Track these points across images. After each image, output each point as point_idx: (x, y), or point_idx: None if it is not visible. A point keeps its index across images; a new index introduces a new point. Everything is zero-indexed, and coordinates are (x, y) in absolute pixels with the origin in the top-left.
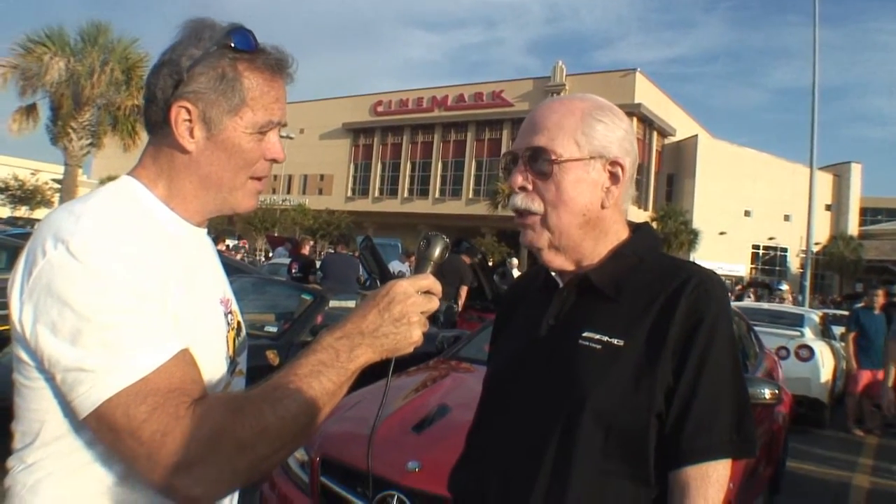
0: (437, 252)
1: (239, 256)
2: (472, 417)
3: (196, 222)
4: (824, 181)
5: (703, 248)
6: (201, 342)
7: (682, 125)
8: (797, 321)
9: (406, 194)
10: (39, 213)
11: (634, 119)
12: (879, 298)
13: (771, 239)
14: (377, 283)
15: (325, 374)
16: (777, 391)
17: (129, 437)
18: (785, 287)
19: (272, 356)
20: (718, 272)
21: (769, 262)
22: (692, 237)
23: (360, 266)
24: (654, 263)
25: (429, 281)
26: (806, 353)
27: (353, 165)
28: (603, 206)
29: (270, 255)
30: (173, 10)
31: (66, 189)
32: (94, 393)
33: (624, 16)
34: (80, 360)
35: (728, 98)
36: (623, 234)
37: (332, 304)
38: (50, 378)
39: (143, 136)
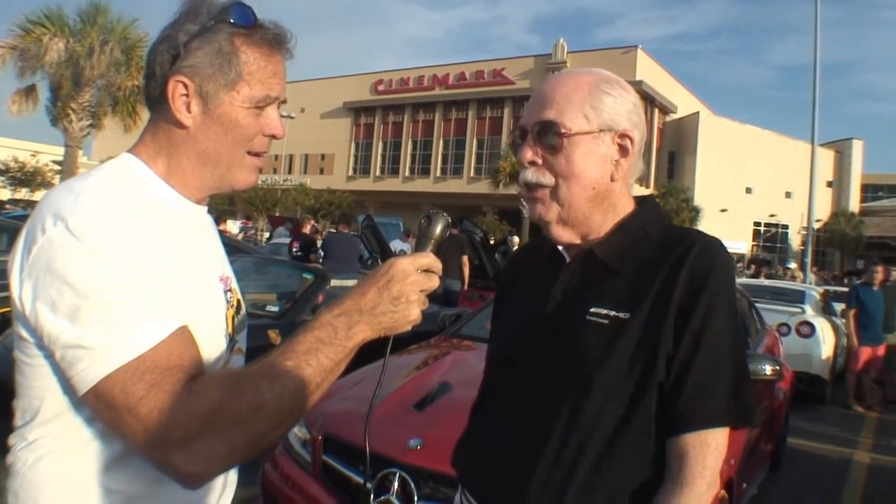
0: (438, 230)
1: (240, 237)
2: (474, 395)
3: (196, 199)
4: (826, 158)
5: (704, 224)
6: (200, 319)
7: (683, 102)
8: (798, 298)
9: (407, 173)
10: (39, 195)
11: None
12: (879, 275)
13: (772, 216)
14: (378, 261)
15: (322, 351)
16: (778, 367)
17: (127, 413)
18: (793, 265)
19: (274, 336)
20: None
21: (770, 238)
22: (693, 214)
23: (362, 245)
24: (660, 235)
25: (429, 259)
26: (807, 330)
27: (354, 144)
28: (612, 179)
29: (270, 234)
30: None
31: (67, 170)
32: (92, 370)
33: None
34: (80, 338)
35: (730, 75)
36: (629, 207)
37: (334, 283)
38: (49, 355)
39: (144, 117)
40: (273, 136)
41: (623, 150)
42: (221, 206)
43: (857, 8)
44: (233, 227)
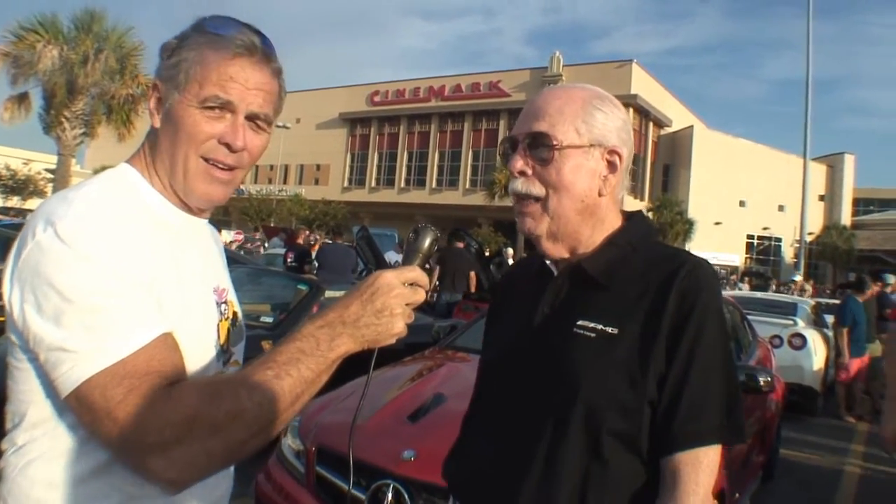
0: (426, 244)
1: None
2: (467, 406)
3: (188, 210)
4: (818, 172)
5: (698, 237)
6: (187, 328)
7: (678, 116)
8: (790, 310)
9: (403, 184)
10: (32, 204)
11: (631, 110)
12: (873, 289)
13: (765, 229)
14: (373, 272)
15: (303, 362)
16: (770, 379)
17: (105, 417)
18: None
19: (268, 346)
20: (713, 262)
21: (763, 251)
22: (687, 227)
23: (356, 256)
24: (647, 252)
25: (415, 273)
26: (799, 342)
27: (350, 155)
28: (600, 194)
29: (265, 245)
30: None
31: (60, 179)
32: (74, 373)
33: (621, 6)
34: (63, 341)
35: (724, 89)
36: (617, 222)
37: (328, 294)
38: (35, 358)
39: (138, 126)
40: (227, 146)
41: (611, 166)
42: (216, 217)
43: (849, 24)
44: (227, 236)
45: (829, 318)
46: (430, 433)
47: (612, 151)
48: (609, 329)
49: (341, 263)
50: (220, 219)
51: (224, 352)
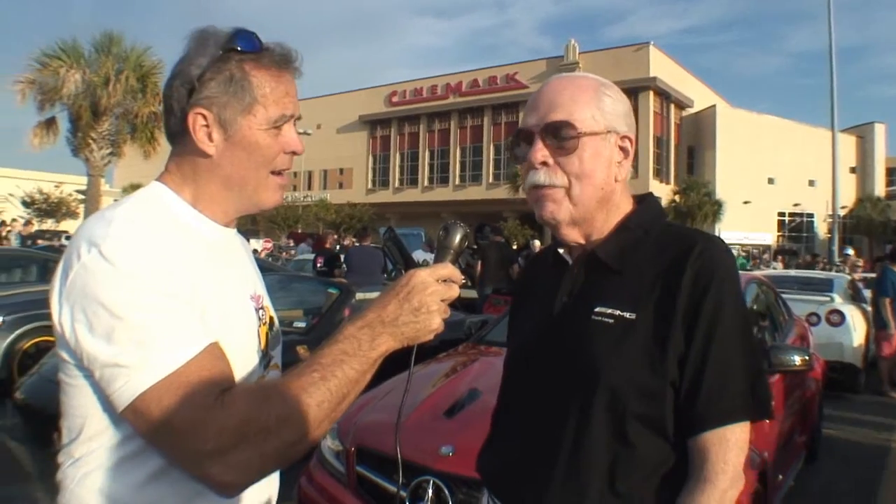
0: (456, 240)
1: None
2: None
3: (224, 223)
4: (847, 144)
5: (727, 218)
6: (230, 337)
7: (699, 96)
8: (826, 286)
9: (426, 183)
10: (65, 225)
11: (651, 93)
12: None
13: (796, 205)
14: (402, 273)
15: (347, 362)
16: (807, 357)
17: (162, 428)
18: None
19: (303, 351)
20: (744, 241)
21: (795, 228)
22: (716, 208)
23: (384, 257)
24: (659, 234)
25: (448, 270)
26: (837, 318)
27: (372, 157)
28: (616, 180)
29: (293, 251)
30: (185, 11)
31: (91, 199)
32: (129, 387)
33: None
34: (116, 357)
35: (745, 66)
36: (628, 207)
37: (359, 296)
38: (89, 375)
39: (163, 142)
40: (293, 153)
41: (624, 152)
42: (244, 226)
43: None
44: (256, 244)
45: (867, 293)
46: (467, 428)
47: (624, 137)
48: (627, 314)
49: (369, 265)
50: (248, 228)
51: (264, 356)
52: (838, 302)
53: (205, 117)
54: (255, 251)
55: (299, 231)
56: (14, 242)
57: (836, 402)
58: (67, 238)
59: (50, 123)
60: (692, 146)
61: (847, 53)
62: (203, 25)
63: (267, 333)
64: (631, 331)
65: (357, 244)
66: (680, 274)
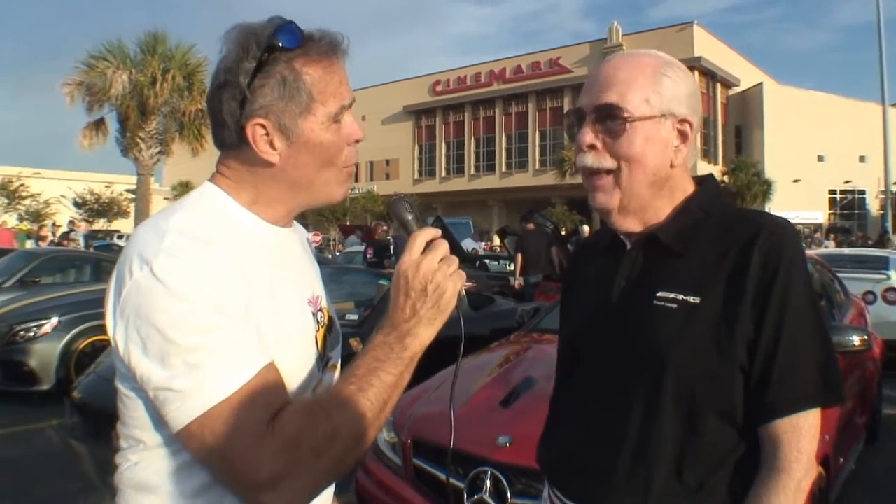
0: (403, 212)
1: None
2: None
3: (283, 223)
4: None
5: (777, 197)
6: (286, 349)
7: (745, 75)
8: (882, 264)
9: (473, 171)
10: (117, 225)
11: (696, 73)
12: None
13: (847, 182)
14: None
15: (382, 368)
16: (866, 337)
17: (215, 455)
18: None
19: (356, 344)
20: (795, 220)
21: (847, 205)
22: (766, 188)
23: None
24: (722, 216)
25: (419, 238)
26: (894, 296)
27: (418, 147)
28: (672, 165)
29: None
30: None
31: (140, 198)
32: (182, 413)
33: None
34: (169, 381)
35: (791, 42)
36: (689, 189)
37: None
38: (143, 391)
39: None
40: (357, 141)
41: (683, 136)
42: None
43: None
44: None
45: None
46: (524, 417)
47: (683, 120)
48: (691, 298)
49: None
50: (298, 221)
51: (322, 358)
52: (895, 279)
53: (264, 127)
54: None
55: (348, 223)
56: (81, 242)
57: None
58: (120, 237)
59: (99, 124)
60: (739, 125)
61: (894, 24)
62: (239, 23)
63: (325, 336)
64: (695, 315)
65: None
66: (748, 255)
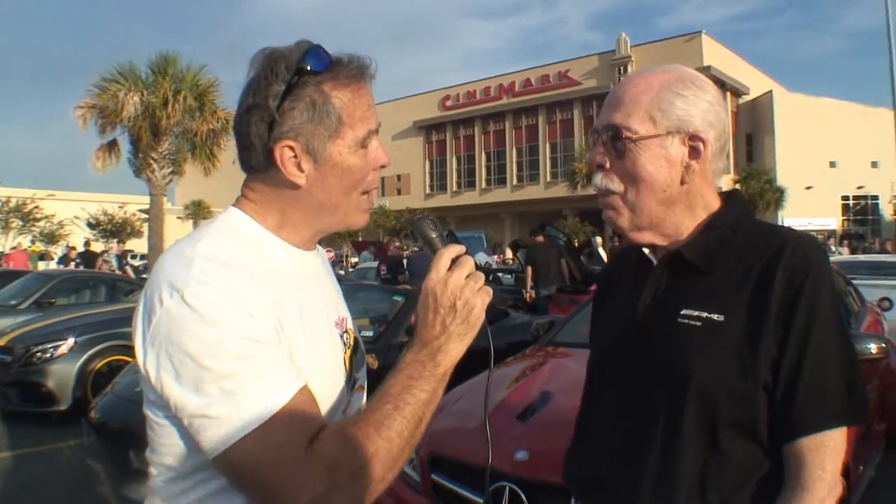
0: (426, 230)
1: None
2: (576, 402)
3: (307, 247)
4: None
5: (790, 204)
6: (317, 371)
7: (755, 83)
8: None
9: (484, 185)
10: (131, 245)
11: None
12: None
13: (860, 188)
14: None
15: (416, 386)
16: (884, 345)
17: (254, 481)
18: None
19: (371, 360)
20: (808, 227)
21: (860, 211)
22: (778, 195)
23: None
24: (747, 232)
25: (446, 254)
26: None
27: (429, 162)
28: (682, 182)
29: (356, 260)
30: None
31: (153, 218)
32: (219, 439)
33: None
34: (205, 408)
35: (801, 49)
36: (714, 205)
37: None
38: (175, 418)
39: (222, 159)
40: (382, 167)
41: (694, 152)
42: None
43: None
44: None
45: None
46: (541, 432)
47: (694, 136)
48: (715, 316)
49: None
50: None
51: (349, 379)
52: None
53: (292, 149)
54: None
55: (360, 239)
56: (114, 263)
57: None
58: (133, 257)
59: (111, 146)
60: (750, 133)
61: None
62: (266, 47)
63: (352, 357)
64: (719, 333)
65: (418, 250)
66: (772, 273)
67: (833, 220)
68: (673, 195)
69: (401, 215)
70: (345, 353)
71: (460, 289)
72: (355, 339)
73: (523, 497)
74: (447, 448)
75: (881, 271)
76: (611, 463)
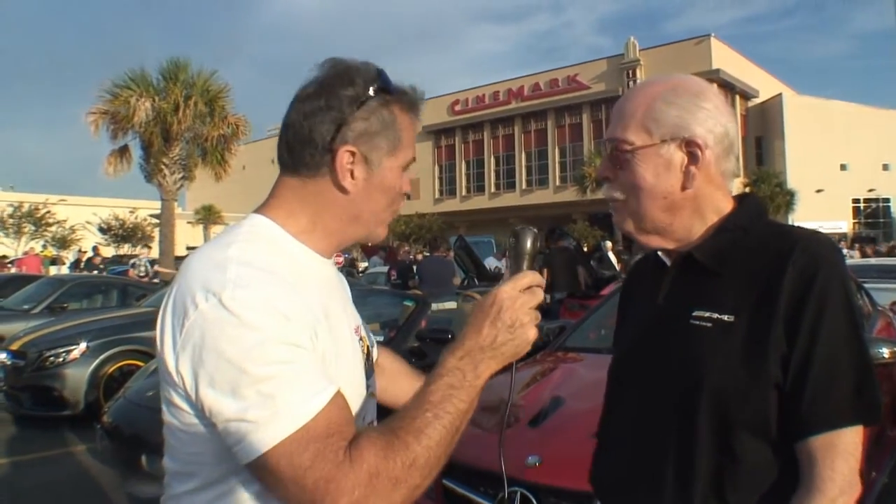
0: (528, 244)
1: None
2: (587, 407)
3: (328, 255)
4: None
5: (801, 208)
6: (345, 379)
7: (764, 86)
8: None
9: (493, 189)
10: (141, 250)
11: (714, 85)
12: None
13: (871, 191)
14: (475, 281)
15: (455, 396)
16: None
17: (293, 484)
18: None
19: None
20: (819, 230)
21: (871, 214)
22: (788, 198)
23: (456, 266)
24: (759, 233)
25: (528, 277)
26: None
27: (438, 167)
28: (684, 188)
29: (365, 265)
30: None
31: (165, 223)
32: (256, 443)
33: None
34: (242, 412)
35: (811, 51)
36: (726, 207)
37: (434, 307)
38: (207, 424)
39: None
40: (406, 195)
41: (693, 158)
42: None
43: None
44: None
45: None
46: (552, 437)
47: (691, 143)
48: (725, 317)
49: (442, 275)
50: None
51: (366, 387)
52: None
53: (353, 154)
54: None
55: (370, 244)
56: (145, 269)
57: None
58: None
59: (123, 151)
60: (760, 137)
61: None
62: (334, 57)
63: (366, 364)
64: (730, 334)
65: (429, 255)
66: (781, 271)
67: (844, 224)
68: (676, 201)
69: (410, 220)
70: (363, 360)
71: (524, 313)
72: (368, 347)
73: (534, 501)
74: (459, 453)
75: (892, 274)
76: (632, 465)
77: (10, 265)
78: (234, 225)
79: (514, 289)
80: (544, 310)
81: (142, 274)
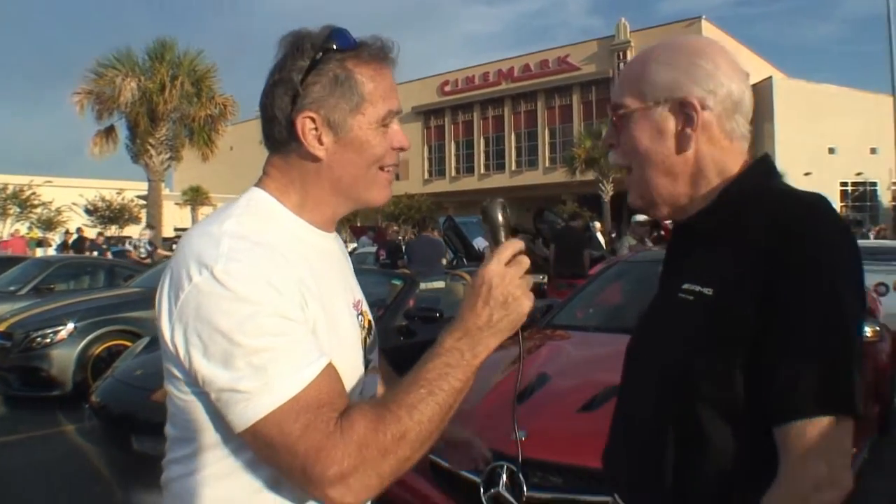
0: (499, 216)
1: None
2: (572, 384)
3: (327, 228)
4: None
5: None
6: (338, 352)
7: (754, 69)
8: (894, 255)
9: (482, 170)
10: (130, 231)
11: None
12: None
13: (858, 174)
14: (463, 261)
15: (452, 374)
16: (878, 329)
17: (284, 452)
18: None
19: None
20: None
21: (859, 198)
22: None
23: (445, 246)
24: (763, 200)
25: (510, 248)
26: None
27: (427, 147)
28: (679, 151)
29: (354, 245)
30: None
31: (152, 204)
32: (248, 412)
33: None
34: (234, 382)
35: (801, 35)
36: (732, 169)
37: (422, 286)
38: (201, 393)
39: (220, 145)
40: (401, 149)
41: (688, 119)
42: None
43: None
44: None
45: None
46: (538, 413)
47: (685, 103)
48: (706, 290)
49: (430, 255)
50: None
51: (364, 360)
52: None
53: (313, 120)
54: None
55: (358, 224)
56: (145, 250)
57: None
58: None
59: (109, 132)
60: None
61: None
62: (293, 29)
63: (366, 339)
64: (707, 308)
65: (418, 235)
66: (760, 240)
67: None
68: (674, 164)
69: (399, 201)
70: (360, 334)
71: (515, 286)
72: (369, 322)
73: (520, 475)
74: (447, 428)
75: (878, 256)
76: (626, 441)
77: None
78: (234, 199)
79: (499, 264)
80: (540, 291)
81: (143, 255)
